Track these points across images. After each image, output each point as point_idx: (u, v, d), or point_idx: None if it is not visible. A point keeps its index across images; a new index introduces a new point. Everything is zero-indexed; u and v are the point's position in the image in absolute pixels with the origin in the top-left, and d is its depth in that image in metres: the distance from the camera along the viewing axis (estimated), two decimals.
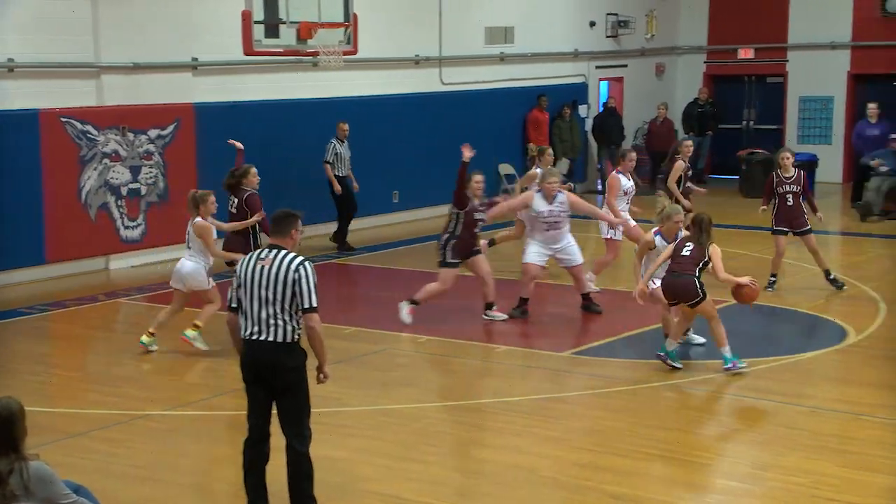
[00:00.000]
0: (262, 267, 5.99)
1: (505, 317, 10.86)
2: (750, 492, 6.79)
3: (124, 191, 13.91)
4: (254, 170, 10.99)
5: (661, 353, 9.11)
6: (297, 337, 6.02)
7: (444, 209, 17.72)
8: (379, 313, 11.16)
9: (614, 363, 9.55)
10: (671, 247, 9.10)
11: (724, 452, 7.53)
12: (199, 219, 9.78)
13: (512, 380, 9.16)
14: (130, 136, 13.89)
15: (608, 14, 21.07)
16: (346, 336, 10.48)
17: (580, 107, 20.46)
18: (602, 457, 7.23)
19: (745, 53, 22.37)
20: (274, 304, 5.95)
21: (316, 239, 15.32)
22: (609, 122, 20.37)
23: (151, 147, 14.13)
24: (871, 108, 18.54)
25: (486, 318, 10.85)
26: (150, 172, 14.15)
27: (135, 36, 13.79)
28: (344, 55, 13.13)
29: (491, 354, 9.92)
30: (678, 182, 12.85)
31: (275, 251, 6.04)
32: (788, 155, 12.03)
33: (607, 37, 21.15)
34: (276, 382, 6.01)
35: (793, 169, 12.00)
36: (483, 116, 18.40)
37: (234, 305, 6.13)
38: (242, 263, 6.13)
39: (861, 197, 17.69)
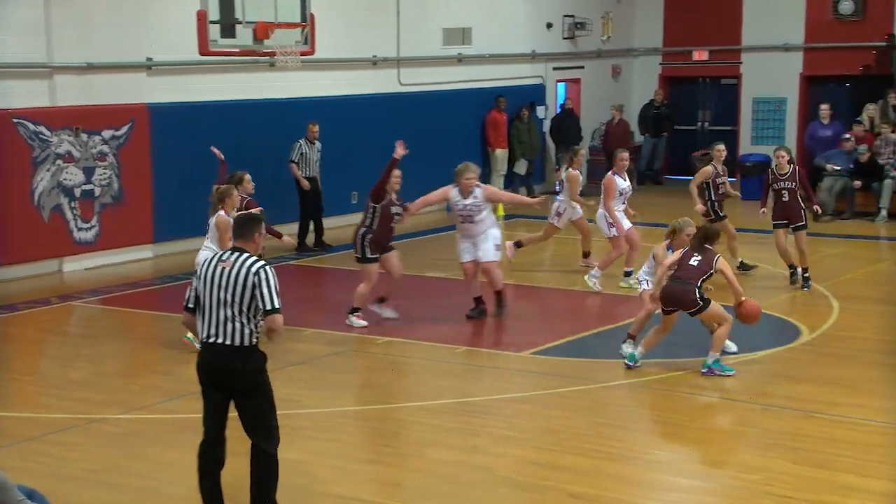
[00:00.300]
0: (223, 269, 5.95)
1: (392, 314, 10.85)
2: (705, 489, 6.86)
3: (78, 192, 13.74)
4: (248, 176, 10.96)
5: (631, 363, 9.14)
6: (255, 340, 5.97)
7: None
8: (338, 315, 11.12)
9: (572, 363, 9.60)
10: (678, 254, 9.13)
11: (680, 450, 7.60)
12: (221, 212, 9.87)
13: (471, 380, 9.18)
14: (84, 136, 13.73)
15: (565, 16, 21.18)
16: (304, 338, 10.44)
17: (538, 108, 20.56)
18: (560, 456, 7.27)
19: (700, 55, 22.59)
20: (232, 306, 5.90)
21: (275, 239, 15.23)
22: (566, 123, 20.47)
23: (105, 148, 13.98)
24: (824, 109, 18.80)
25: (373, 309, 10.92)
26: (104, 174, 14.00)
27: (88, 36, 13.63)
28: (301, 55, 13.08)
29: (450, 355, 9.93)
30: (708, 187, 12.79)
31: (236, 254, 6.01)
32: (784, 153, 12.36)
33: (564, 38, 21.26)
34: (234, 386, 5.97)
35: (788, 166, 12.27)
36: (442, 117, 18.43)
37: (190, 305, 6.09)
38: (203, 265, 6.09)
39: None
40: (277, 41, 12.82)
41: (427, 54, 18.36)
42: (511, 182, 19.90)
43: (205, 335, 5.98)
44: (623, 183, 12.11)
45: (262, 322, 5.95)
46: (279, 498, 6.16)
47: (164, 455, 7.47)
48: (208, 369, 6.00)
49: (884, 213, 17.00)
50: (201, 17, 12.18)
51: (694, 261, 9.02)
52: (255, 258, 6.00)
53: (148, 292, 12.74)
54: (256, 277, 5.88)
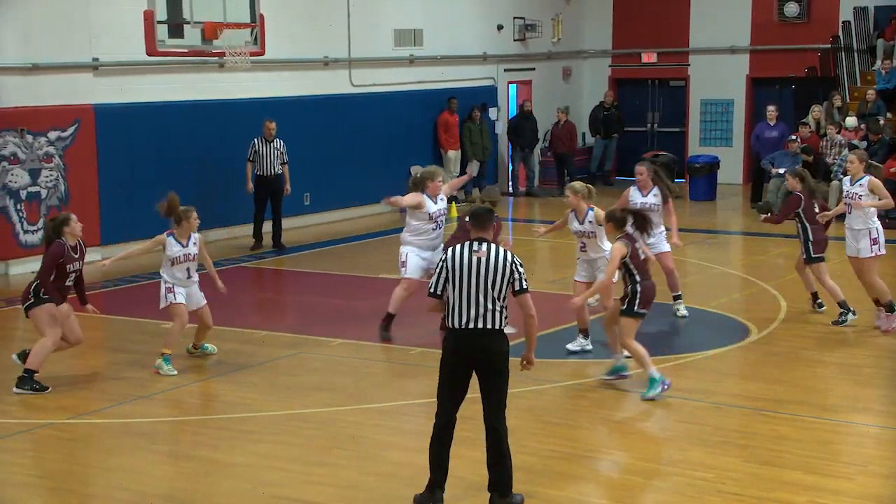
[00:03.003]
0: (479, 258, 6.36)
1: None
2: (656, 487, 6.92)
3: (23, 194, 13.53)
4: (74, 217, 9.32)
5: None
6: (504, 324, 6.44)
7: (356, 211, 17.80)
8: (290, 317, 11.06)
9: None
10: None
11: (630, 448, 7.65)
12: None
13: (425, 381, 9.16)
14: (29, 138, 13.52)
15: (515, 18, 21.27)
16: (256, 340, 10.36)
17: (490, 109, 20.62)
18: (514, 456, 7.22)
19: (649, 58, 22.82)
20: (493, 292, 6.33)
21: (233, 240, 15.12)
22: (524, 124, 20.53)
23: (51, 149, 13.77)
24: (770, 110, 19.07)
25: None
26: (51, 175, 13.79)
27: (34, 36, 13.42)
28: (251, 56, 13.01)
29: (405, 356, 9.91)
30: None
31: (485, 244, 6.42)
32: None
33: (515, 40, 21.35)
34: (488, 367, 6.43)
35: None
36: (393, 118, 18.41)
37: (439, 292, 6.43)
38: (454, 254, 6.39)
39: (761, 198, 18.19)
40: (227, 41, 12.75)
41: (378, 55, 18.33)
42: (464, 184, 19.92)
43: (463, 321, 6.34)
44: (638, 197, 10.76)
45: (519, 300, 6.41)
46: (225, 501, 6.11)
47: (113, 460, 7.38)
48: (465, 352, 6.39)
49: None
50: (148, 17, 12.07)
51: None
52: (502, 248, 6.47)
53: (95, 295, 12.52)
54: (513, 265, 6.39)
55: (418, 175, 10.49)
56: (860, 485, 6.81)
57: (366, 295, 11.99)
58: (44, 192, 13.73)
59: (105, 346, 10.36)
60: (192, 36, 12.46)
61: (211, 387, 9.09)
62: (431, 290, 6.46)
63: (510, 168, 21.19)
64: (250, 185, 15.01)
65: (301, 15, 16.78)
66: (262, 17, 13.10)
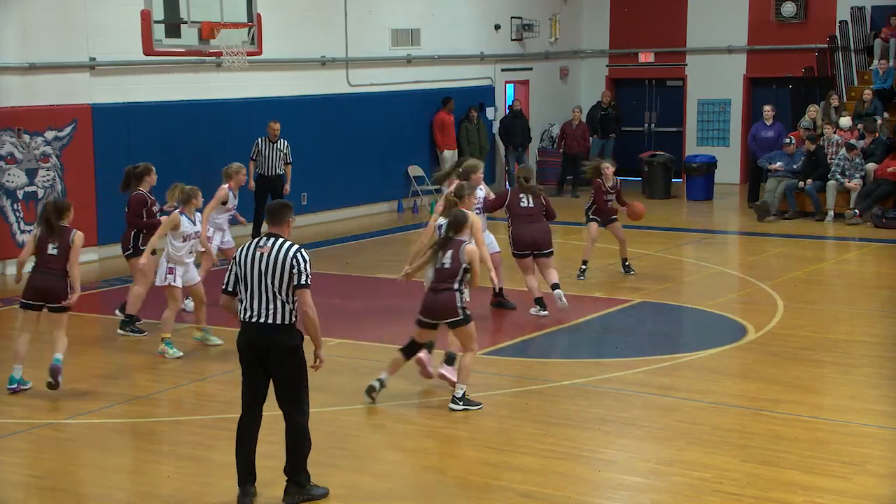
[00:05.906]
0: (262, 254, 6.42)
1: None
2: (654, 487, 6.93)
3: (20, 194, 13.52)
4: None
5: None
6: (293, 319, 6.46)
7: (354, 211, 17.79)
8: None
9: (522, 363, 9.65)
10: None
11: (629, 449, 7.66)
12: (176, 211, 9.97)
13: (422, 382, 9.17)
14: (26, 137, 13.51)
15: (512, 17, 21.28)
16: None
17: (487, 109, 20.62)
18: (511, 456, 7.29)
19: (646, 57, 22.83)
20: (273, 287, 6.38)
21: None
22: (515, 124, 20.55)
23: (48, 149, 13.76)
24: (767, 110, 19.10)
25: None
26: (48, 175, 13.78)
27: (31, 36, 13.41)
28: (248, 56, 13.00)
29: None
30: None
31: (273, 239, 6.48)
32: None
33: (512, 40, 21.36)
34: (273, 361, 6.43)
35: None
36: (390, 118, 18.42)
37: (230, 289, 6.52)
38: (242, 251, 6.50)
39: (758, 197, 18.21)
40: (224, 41, 12.73)
41: (376, 55, 18.33)
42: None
43: (248, 315, 6.43)
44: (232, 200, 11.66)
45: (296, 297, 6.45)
46: (225, 501, 6.11)
47: (111, 460, 7.38)
48: (251, 346, 6.45)
49: (831, 213, 17.30)
50: (145, 16, 12.05)
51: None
52: (290, 242, 6.50)
53: (92, 295, 12.55)
54: (294, 259, 6.41)
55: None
56: (858, 484, 6.83)
57: (363, 295, 11.98)
58: (41, 192, 13.72)
59: (105, 346, 10.35)
60: (189, 36, 12.45)
61: (211, 387, 9.09)
62: (224, 287, 6.58)
63: (507, 168, 21.18)
64: (252, 183, 15.01)
65: (298, 15, 16.77)
66: (259, 16, 13.10)
